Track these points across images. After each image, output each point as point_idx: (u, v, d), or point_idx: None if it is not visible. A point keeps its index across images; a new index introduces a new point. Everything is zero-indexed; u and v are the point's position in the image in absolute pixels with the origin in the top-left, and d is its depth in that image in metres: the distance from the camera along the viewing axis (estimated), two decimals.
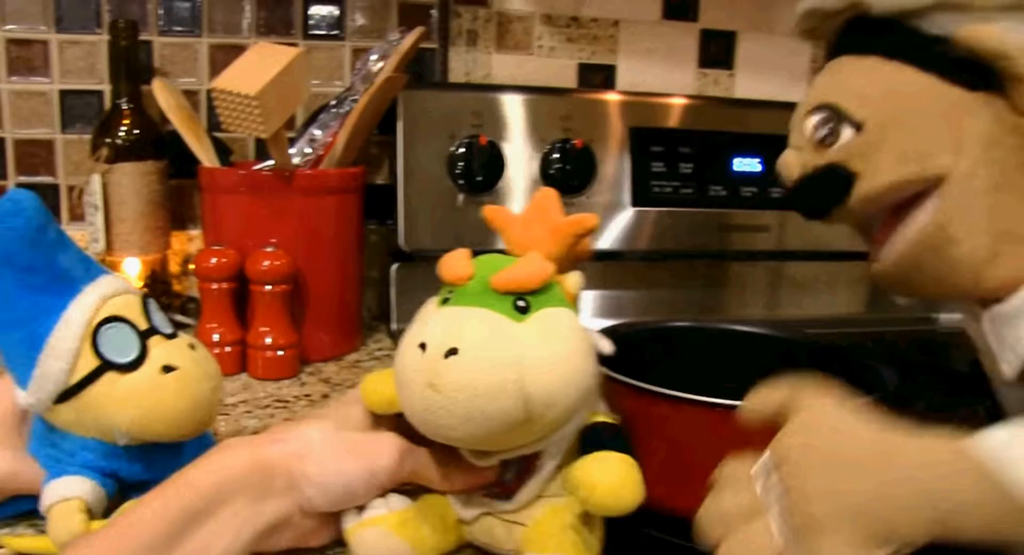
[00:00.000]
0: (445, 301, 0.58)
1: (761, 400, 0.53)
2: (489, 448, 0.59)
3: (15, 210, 0.57)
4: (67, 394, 0.60)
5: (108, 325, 0.61)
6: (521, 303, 0.56)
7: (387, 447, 0.61)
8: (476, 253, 0.60)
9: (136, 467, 0.64)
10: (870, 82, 0.58)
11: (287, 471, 0.59)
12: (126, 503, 0.61)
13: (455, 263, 0.58)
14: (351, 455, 0.60)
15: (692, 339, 0.85)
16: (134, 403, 0.60)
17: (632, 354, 0.71)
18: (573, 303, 0.61)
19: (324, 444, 0.61)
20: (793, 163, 0.61)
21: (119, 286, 0.64)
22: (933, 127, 0.56)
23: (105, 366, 0.60)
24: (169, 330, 0.65)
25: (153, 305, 0.65)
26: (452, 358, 0.53)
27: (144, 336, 0.62)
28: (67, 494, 0.60)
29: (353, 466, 0.60)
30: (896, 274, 0.59)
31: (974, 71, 0.54)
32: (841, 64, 0.61)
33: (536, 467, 0.60)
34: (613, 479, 0.56)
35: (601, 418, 0.62)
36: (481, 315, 0.55)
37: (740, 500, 0.50)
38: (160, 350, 0.62)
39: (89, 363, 0.60)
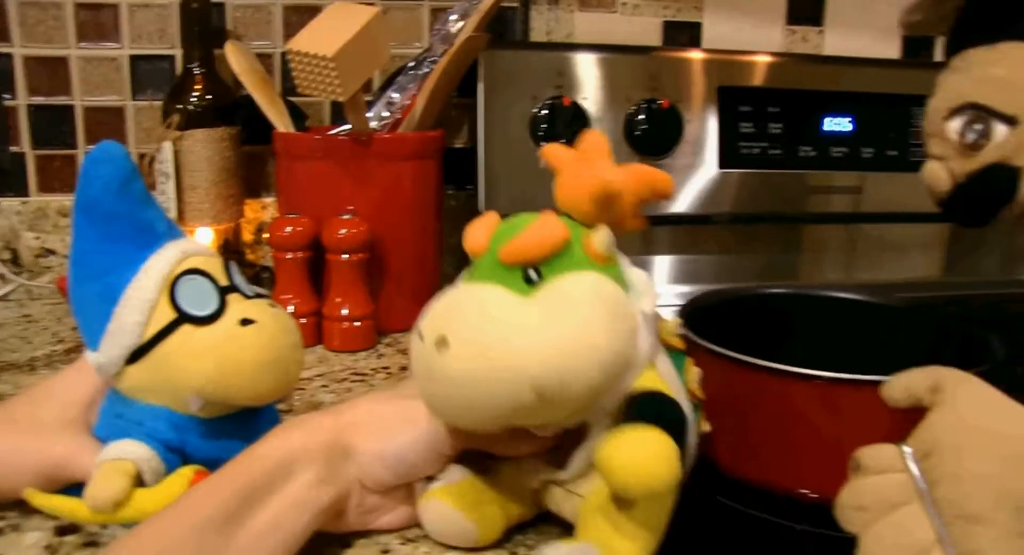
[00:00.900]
0: (469, 276, 0.55)
1: (908, 383, 0.52)
2: (522, 425, 0.56)
3: (104, 158, 0.57)
4: (141, 351, 0.58)
5: (187, 277, 0.59)
6: (532, 273, 0.52)
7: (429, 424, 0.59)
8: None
9: (206, 443, 0.61)
10: (1011, 71, 0.55)
11: (344, 444, 0.57)
12: (182, 468, 0.58)
13: (473, 233, 0.56)
14: (406, 423, 0.58)
15: (783, 305, 0.82)
16: (211, 355, 0.58)
17: (722, 320, 0.69)
18: (603, 263, 0.55)
19: (378, 413, 0.59)
20: (941, 175, 0.59)
21: (202, 247, 0.63)
22: None
23: (182, 318, 0.58)
24: (250, 292, 0.63)
25: (235, 267, 0.64)
26: (443, 349, 0.51)
27: (224, 292, 0.60)
28: (120, 455, 0.57)
29: (408, 434, 0.58)
30: None
31: None
32: (970, 58, 0.58)
33: (584, 437, 0.57)
34: (637, 458, 0.50)
35: (648, 383, 0.55)
36: (478, 295, 0.53)
37: (885, 485, 0.48)
38: (239, 306, 0.60)
39: (166, 315, 0.58)
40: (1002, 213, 0.56)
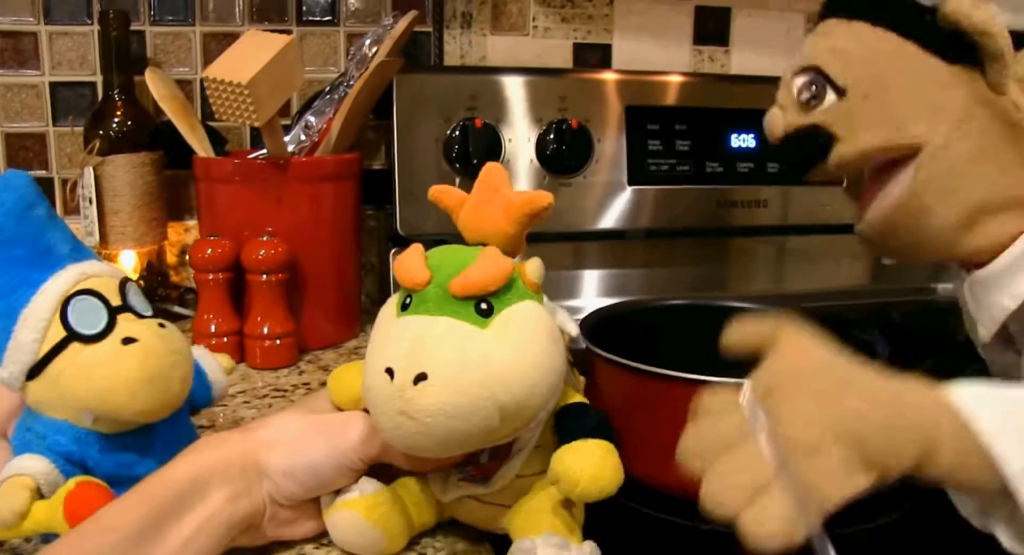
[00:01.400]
0: (405, 307, 0.57)
1: (744, 330, 0.53)
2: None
3: (5, 186, 0.60)
4: (37, 368, 0.60)
5: (79, 297, 0.61)
6: (484, 306, 0.55)
7: (354, 427, 0.61)
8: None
9: (106, 458, 0.63)
10: (855, 47, 0.59)
11: (256, 461, 0.59)
12: (71, 480, 0.60)
13: (410, 266, 0.57)
14: (319, 437, 0.60)
15: (683, 316, 0.85)
16: (96, 374, 0.60)
17: (624, 332, 0.71)
18: (536, 292, 0.59)
19: (290, 430, 0.61)
20: (778, 121, 0.62)
21: (104, 269, 0.65)
22: (911, 97, 0.56)
23: (71, 337, 0.60)
24: (147, 312, 0.65)
25: (132, 288, 0.65)
26: (421, 384, 0.52)
27: (114, 312, 0.62)
28: (20, 470, 0.60)
29: (319, 449, 0.60)
30: (876, 236, 0.60)
31: (955, 44, 0.55)
32: (830, 27, 0.61)
33: (512, 452, 0.60)
34: (593, 469, 0.56)
35: (573, 398, 0.61)
36: (445, 329, 0.54)
37: (724, 427, 0.49)
38: (126, 325, 0.62)
39: (57, 334, 0.60)
40: (814, 171, 0.60)
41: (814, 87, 0.59)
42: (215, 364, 0.73)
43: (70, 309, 0.61)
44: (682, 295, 0.88)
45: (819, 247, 1.38)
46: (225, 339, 1.00)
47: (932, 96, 0.56)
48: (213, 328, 1.00)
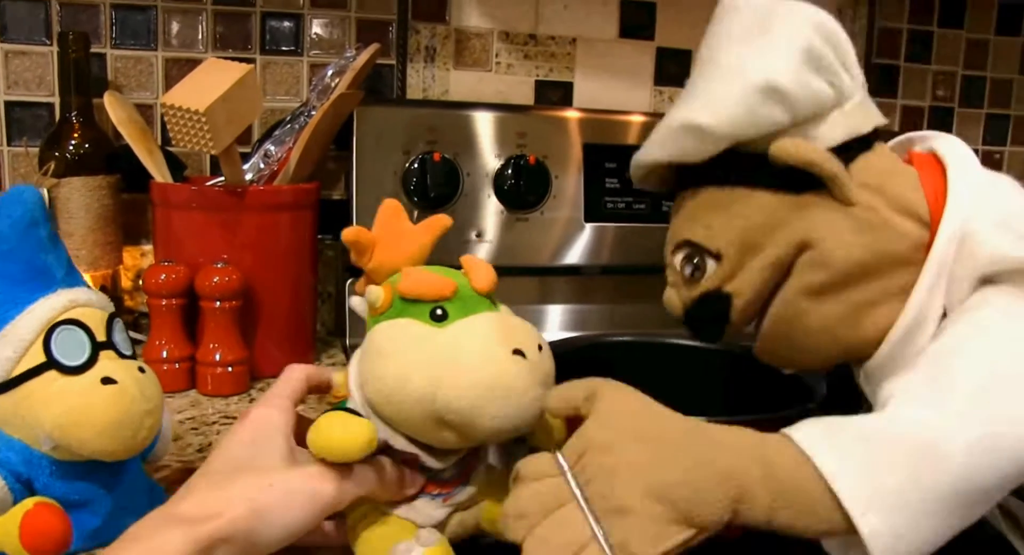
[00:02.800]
0: (441, 318, 0.58)
1: (565, 394, 0.56)
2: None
3: (17, 199, 0.60)
4: (6, 386, 0.60)
5: (65, 326, 0.61)
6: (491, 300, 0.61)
7: (325, 480, 0.57)
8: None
9: (54, 483, 0.62)
10: (713, 212, 0.61)
11: (238, 538, 0.54)
12: (29, 500, 0.57)
13: (434, 278, 0.60)
14: (295, 502, 0.56)
15: (631, 353, 0.87)
16: (63, 403, 0.59)
17: (579, 368, 0.72)
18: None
19: (261, 503, 0.55)
20: (674, 300, 0.65)
21: (94, 298, 0.64)
22: (775, 234, 0.59)
23: (49, 364, 0.60)
24: (127, 352, 0.64)
25: (119, 325, 0.65)
26: (544, 351, 0.58)
27: (98, 347, 0.62)
28: None
29: (299, 514, 0.56)
30: (770, 349, 0.63)
31: (796, 178, 0.58)
32: (684, 200, 0.64)
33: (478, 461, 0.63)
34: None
35: None
36: (507, 315, 0.60)
37: (543, 491, 0.51)
38: (108, 363, 0.62)
39: (36, 358, 0.60)
40: (729, 329, 0.62)
41: (694, 259, 0.62)
42: (168, 422, 0.72)
43: (54, 337, 0.60)
44: (638, 331, 0.89)
45: None
46: (177, 365, 0.99)
47: (794, 218, 0.58)
48: (165, 354, 0.99)
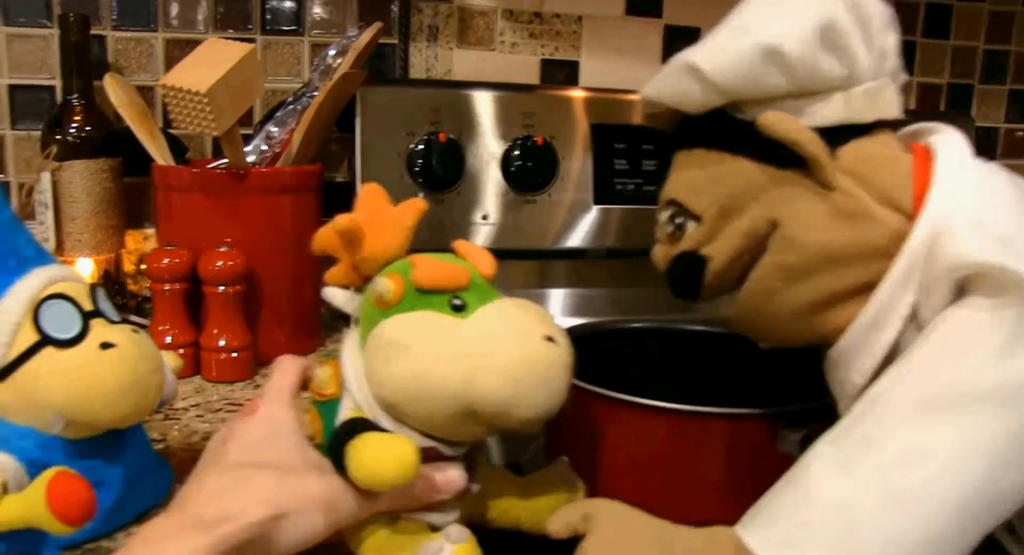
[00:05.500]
0: (461, 308, 0.57)
1: (565, 517, 0.60)
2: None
3: None
4: (4, 372, 0.59)
5: (51, 301, 0.60)
6: None
7: (348, 494, 0.56)
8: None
9: (71, 464, 0.59)
10: (699, 174, 0.61)
11: (256, 544, 0.52)
12: (48, 470, 0.56)
13: (451, 268, 0.58)
14: (318, 511, 0.55)
15: (649, 339, 0.86)
16: (70, 378, 0.59)
17: (587, 355, 0.72)
18: None
19: (280, 506, 0.53)
20: (659, 256, 0.65)
21: (69, 273, 0.64)
22: (751, 205, 0.59)
23: (44, 341, 0.59)
24: (116, 318, 0.64)
25: (101, 293, 0.65)
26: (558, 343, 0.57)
27: (87, 316, 0.62)
28: None
29: (320, 524, 0.55)
30: (743, 321, 0.63)
31: (782, 153, 0.58)
32: (679, 159, 0.64)
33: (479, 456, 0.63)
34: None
35: None
36: (517, 301, 0.59)
37: None
38: (101, 330, 0.61)
39: (29, 338, 0.59)
40: (702, 292, 0.62)
41: (677, 219, 0.62)
42: (167, 365, 0.72)
43: (43, 313, 0.60)
44: (647, 318, 0.88)
45: None
46: (181, 351, 0.98)
47: (772, 192, 0.58)
48: (169, 339, 0.98)
